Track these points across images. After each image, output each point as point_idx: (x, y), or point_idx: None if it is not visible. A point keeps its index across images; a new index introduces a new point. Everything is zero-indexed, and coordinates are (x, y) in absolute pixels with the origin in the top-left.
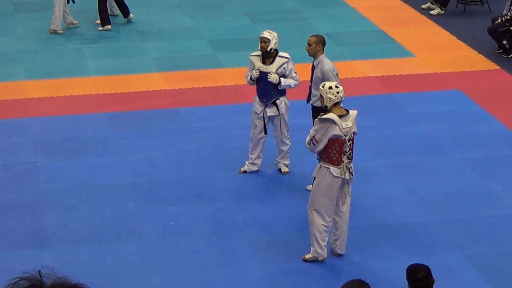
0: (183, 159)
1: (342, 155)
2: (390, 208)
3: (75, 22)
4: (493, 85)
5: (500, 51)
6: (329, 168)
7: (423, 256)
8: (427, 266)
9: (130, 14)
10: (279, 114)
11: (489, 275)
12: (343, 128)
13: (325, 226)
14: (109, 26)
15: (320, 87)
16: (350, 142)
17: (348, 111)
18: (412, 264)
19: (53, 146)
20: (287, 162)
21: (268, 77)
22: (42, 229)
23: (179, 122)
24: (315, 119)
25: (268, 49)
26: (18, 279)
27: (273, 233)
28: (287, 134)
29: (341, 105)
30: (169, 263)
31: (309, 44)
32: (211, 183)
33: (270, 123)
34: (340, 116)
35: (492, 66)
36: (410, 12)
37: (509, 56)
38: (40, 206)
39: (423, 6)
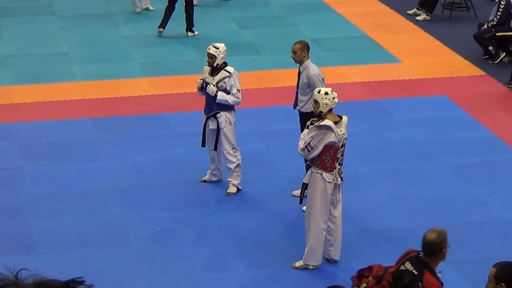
0: (169, 165)
1: (335, 161)
2: (377, 214)
3: (150, 8)
4: (479, 91)
5: (486, 57)
6: (321, 174)
7: None
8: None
9: (194, 32)
10: (219, 129)
11: (475, 281)
12: (338, 135)
13: (322, 232)
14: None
15: (315, 93)
16: (343, 148)
17: (341, 117)
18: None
19: (40, 151)
20: (235, 182)
21: (207, 88)
22: (29, 234)
23: (165, 127)
24: (310, 126)
25: (215, 64)
26: None
27: (260, 239)
28: (232, 151)
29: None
30: (156, 269)
31: (294, 52)
32: (198, 188)
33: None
34: (335, 123)
35: (478, 72)
36: (396, 18)
37: (495, 62)
38: (26, 211)
39: (409, 12)
